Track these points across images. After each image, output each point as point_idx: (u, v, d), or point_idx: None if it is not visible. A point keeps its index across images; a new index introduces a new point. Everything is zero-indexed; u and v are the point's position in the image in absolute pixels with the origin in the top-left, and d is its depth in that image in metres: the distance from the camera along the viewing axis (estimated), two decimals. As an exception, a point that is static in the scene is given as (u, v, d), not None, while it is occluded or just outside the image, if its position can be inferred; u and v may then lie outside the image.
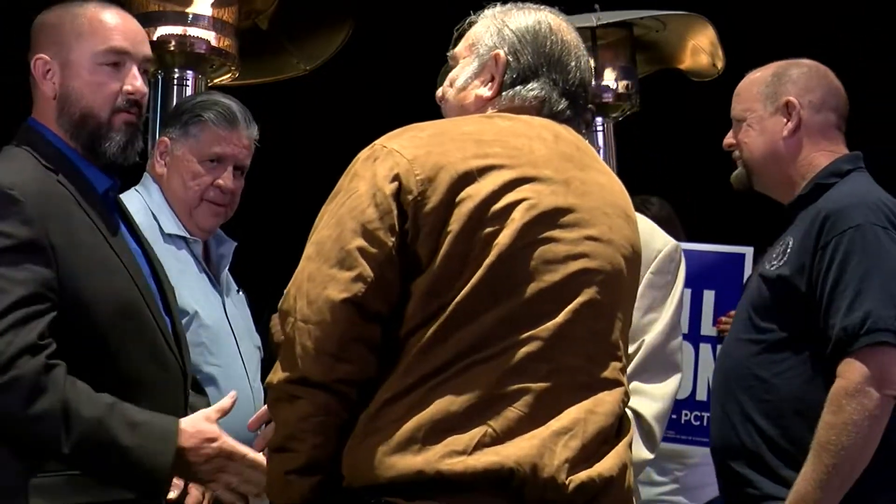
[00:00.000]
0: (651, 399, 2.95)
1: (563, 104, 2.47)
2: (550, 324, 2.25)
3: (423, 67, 4.88)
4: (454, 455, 2.17)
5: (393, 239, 2.23)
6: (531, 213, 2.27)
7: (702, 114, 5.87)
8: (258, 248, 4.50)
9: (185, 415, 2.70)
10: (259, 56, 4.56)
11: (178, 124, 3.45)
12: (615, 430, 2.32)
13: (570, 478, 2.21)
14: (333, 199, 2.32)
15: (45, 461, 2.54)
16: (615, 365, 2.34)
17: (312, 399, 2.23)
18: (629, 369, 2.94)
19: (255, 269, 3.93)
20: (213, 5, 4.20)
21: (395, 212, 2.24)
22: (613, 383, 2.33)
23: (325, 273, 2.23)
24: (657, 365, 2.98)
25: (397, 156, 2.28)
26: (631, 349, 2.95)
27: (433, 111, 4.97)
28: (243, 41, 4.31)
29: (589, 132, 2.54)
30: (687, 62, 4.85)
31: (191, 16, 4.19)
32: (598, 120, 4.57)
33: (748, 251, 4.14)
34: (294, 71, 4.74)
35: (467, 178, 2.26)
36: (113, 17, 2.76)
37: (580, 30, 2.35)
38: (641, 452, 2.93)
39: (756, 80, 3.42)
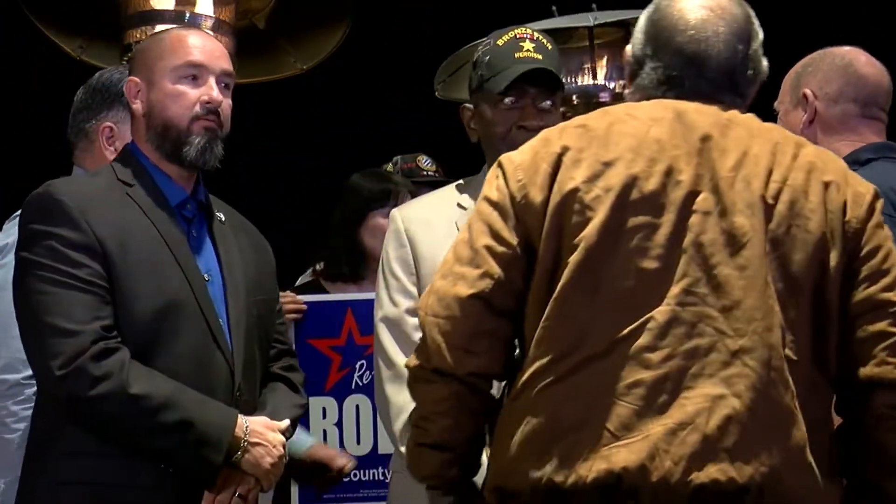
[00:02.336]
0: None
1: (667, 81, 2.42)
2: (657, 311, 2.22)
3: (420, 66, 4.88)
4: (568, 464, 2.21)
5: (517, 238, 2.32)
6: (620, 200, 2.27)
7: (700, 113, 5.86)
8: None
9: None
10: (256, 55, 4.56)
11: (119, 107, 3.37)
12: (778, 407, 2.21)
13: (690, 477, 2.16)
14: None
15: (108, 441, 2.73)
16: (757, 326, 2.22)
17: (446, 385, 2.35)
18: None
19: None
20: (210, 4, 4.20)
21: (512, 214, 2.33)
22: (751, 350, 2.21)
23: (455, 271, 2.34)
24: None
25: (506, 162, 2.39)
26: None
27: (430, 110, 4.98)
28: (240, 40, 4.31)
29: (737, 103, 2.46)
30: (684, 62, 4.83)
31: (188, 15, 4.19)
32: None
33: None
34: (291, 70, 4.75)
35: (559, 172, 2.31)
36: (193, 38, 2.97)
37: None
38: None
39: (792, 70, 3.42)
